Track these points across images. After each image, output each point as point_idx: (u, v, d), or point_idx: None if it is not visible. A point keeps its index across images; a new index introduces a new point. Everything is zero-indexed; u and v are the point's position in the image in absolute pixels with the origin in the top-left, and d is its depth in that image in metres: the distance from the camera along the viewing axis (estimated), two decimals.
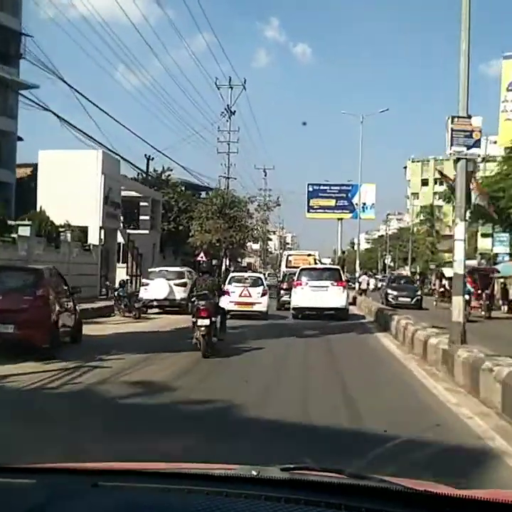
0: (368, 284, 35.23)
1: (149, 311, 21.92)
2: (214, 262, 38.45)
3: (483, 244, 39.60)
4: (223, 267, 37.34)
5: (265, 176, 65.31)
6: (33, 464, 1.71)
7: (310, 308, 19.83)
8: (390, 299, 27.57)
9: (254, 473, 1.51)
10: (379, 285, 41.36)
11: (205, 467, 1.73)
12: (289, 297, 21.40)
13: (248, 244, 75.68)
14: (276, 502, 1.33)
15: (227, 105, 40.12)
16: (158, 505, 1.38)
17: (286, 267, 34.12)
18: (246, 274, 24.35)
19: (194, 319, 10.82)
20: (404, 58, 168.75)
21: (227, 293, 20.44)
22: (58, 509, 1.39)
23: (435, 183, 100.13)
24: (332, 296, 19.69)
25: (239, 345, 12.37)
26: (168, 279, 21.66)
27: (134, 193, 31.80)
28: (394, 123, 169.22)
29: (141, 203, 32.64)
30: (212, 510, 1.30)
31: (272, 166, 70.13)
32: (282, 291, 24.70)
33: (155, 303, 21.62)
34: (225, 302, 20.57)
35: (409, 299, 27.58)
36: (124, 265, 30.53)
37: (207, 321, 10.51)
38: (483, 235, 39.11)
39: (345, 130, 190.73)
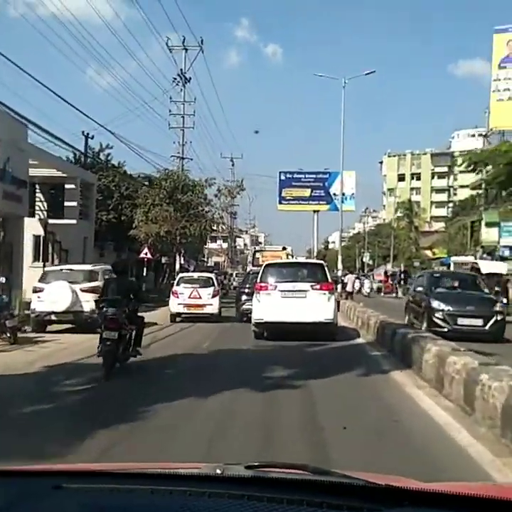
0: (355, 285, 28.66)
1: (50, 328, 15.13)
2: (164, 259, 31.63)
3: (488, 235, 33.12)
4: (177, 266, 30.41)
5: (233, 165, 59.06)
6: None
7: (280, 324, 13.14)
8: (440, 321, 13.70)
9: (218, 471, 1.52)
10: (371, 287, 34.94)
11: (169, 466, 1.74)
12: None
13: (218, 242, 69.39)
14: (240, 500, 1.33)
15: (181, 70, 33.08)
16: (121, 506, 1.36)
17: (253, 265, 27.68)
18: (196, 275, 21.30)
19: (100, 330, 8.92)
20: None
21: (175, 294, 18.67)
22: None
23: (412, 178, 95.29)
24: (313, 306, 12.97)
25: (146, 407, 6.36)
26: (73, 283, 14.79)
27: (56, 172, 24.79)
28: (369, 118, 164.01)
29: (67, 186, 25.53)
30: (176, 509, 1.30)
31: (241, 154, 63.20)
32: (244, 297, 18.29)
33: (53, 317, 14.77)
34: (173, 304, 18.58)
35: (480, 322, 13.62)
36: (41, 265, 23.59)
37: (114, 334, 8.60)
38: (488, 224, 32.73)
39: (321, 116, 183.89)
